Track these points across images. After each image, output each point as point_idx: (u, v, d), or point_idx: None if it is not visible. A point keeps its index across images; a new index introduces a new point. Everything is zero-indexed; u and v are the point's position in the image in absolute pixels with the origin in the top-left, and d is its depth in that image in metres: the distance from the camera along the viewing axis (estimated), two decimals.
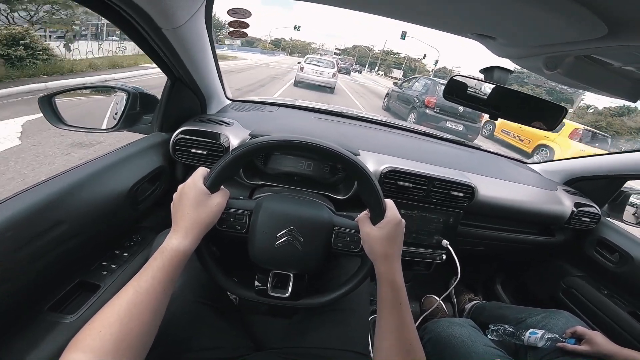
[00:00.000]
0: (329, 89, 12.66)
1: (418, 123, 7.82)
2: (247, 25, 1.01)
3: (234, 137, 1.08)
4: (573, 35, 0.51)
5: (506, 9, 0.50)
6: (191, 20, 0.81)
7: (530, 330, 1.12)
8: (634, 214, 1.49)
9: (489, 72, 0.78)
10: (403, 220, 0.66)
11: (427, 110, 7.87)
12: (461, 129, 7.77)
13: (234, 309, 0.90)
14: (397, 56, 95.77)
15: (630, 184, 1.48)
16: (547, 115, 0.82)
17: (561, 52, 0.58)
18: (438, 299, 1.58)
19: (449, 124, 7.75)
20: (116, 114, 1.08)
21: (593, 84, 0.68)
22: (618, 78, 0.65)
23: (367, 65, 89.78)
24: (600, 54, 0.56)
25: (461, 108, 7.23)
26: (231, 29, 1.02)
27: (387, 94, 11.39)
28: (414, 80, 9.75)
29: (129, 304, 0.48)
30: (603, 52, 0.54)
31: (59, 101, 0.98)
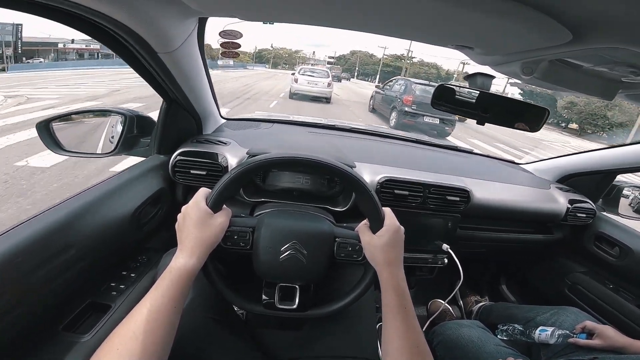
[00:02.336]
0: (324, 99, 12.60)
1: (399, 120, 8.95)
2: (238, 46, 1.05)
3: (231, 157, 1.10)
4: (541, 42, 0.54)
5: (478, 22, 0.53)
6: (185, 43, 0.85)
7: (540, 327, 1.12)
8: (629, 205, 1.50)
9: (472, 79, 0.81)
10: (402, 227, 0.68)
11: (406, 108, 8.68)
12: (438, 122, 8.65)
13: (242, 324, 0.91)
14: (409, 61, 70.63)
15: (621, 177, 1.50)
16: (531, 117, 0.85)
17: (534, 57, 0.61)
18: (444, 302, 1.58)
19: (426, 119, 8.59)
20: (112, 137, 1.09)
21: (569, 86, 0.71)
22: (592, 79, 0.68)
23: (377, 77, 66.44)
24: (571, 57, 0.59)
25: None
26: (223, 50, 1.06)
27: (372, 96, 12.30)
28: (393, 82, 10.66)
29: (143, 322, 0.50)
30: (573, 55, 0.57)
31: (56, 126, 0.98)
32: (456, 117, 8.77)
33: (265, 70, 49.87)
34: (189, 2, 0.64)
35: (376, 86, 12.08)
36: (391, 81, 10.95)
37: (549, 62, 0.64)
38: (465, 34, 0.62)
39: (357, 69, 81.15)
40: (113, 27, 0.66)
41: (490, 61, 0.73)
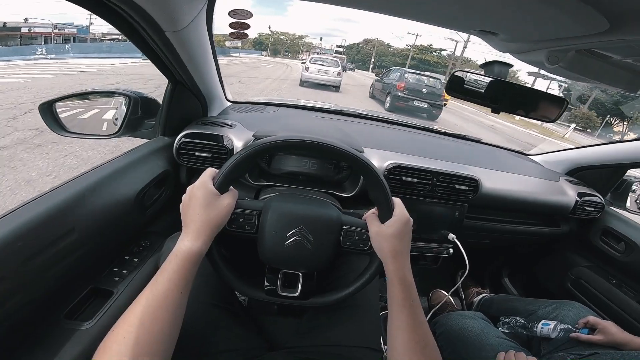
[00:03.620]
0: (334, 87, 13.10)
1: (392, 104, 10.37)
2: (247, 26, 1.02)
3: (237, 139, 1.09)
4: (575, 31, 0.51)
5: (508, 5, 0.50)
6: (193, 23, 0.82)
7: (543, 321, 1.12)
8: (635, 201, 1.50)
9: (489, 67, 0.78)
10: (411, 218, 0.66)
11: (399, 93, 10.19)
12: (426, 106, 10.20)
13: (246, 310, 0.90)
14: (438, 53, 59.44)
15: (632, 172, 1.48)
16: (548, 106, 0.83)
17: (563, 46, 0.58)
18: (446, 293, 1.58)
19: (416, 103, 10.13)
20: (117, 119, 1.08)
21: (594, 77, 0.68)
22: (618, 70, 0.65)
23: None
24: (600, 47, 0.57)
25: (424, 89, 10.13)
26: (232, 30, 1.03)
27: (372, 84, 13.77)
28: (390, 71, 12.32)
29: (149, 308, 0.49)
30: (604, 45, 0.55)
31: (60, 108, 0.98)
32: (443, 102, 10.68)
33: (256, 59, 37.44)
34: None
35: (376, 74, 13.71)
36: (389, 71, 12.51)
37: (576, 52, 0.61)
38: (492, 19, 0.59)
39: (372, 60, 67.73)
40: (119, 2, 0.63)
41: (513, 48, 0.70)
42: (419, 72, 11.52)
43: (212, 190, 0.59)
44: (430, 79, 10.63)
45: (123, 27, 0.73)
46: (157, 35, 0.77)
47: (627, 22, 0.45)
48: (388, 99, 10.66)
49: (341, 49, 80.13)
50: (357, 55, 77.93)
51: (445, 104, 12.32)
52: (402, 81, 10.32)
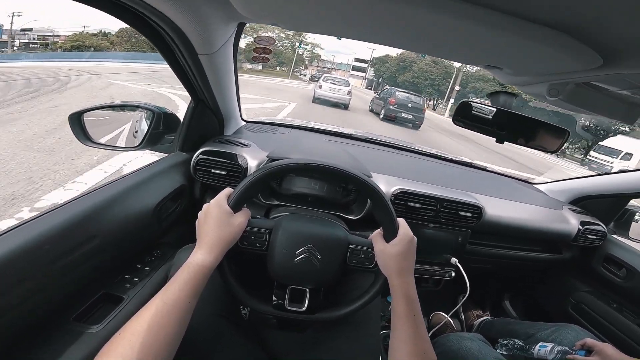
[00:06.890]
0: (343, 105, 14.41)
1: (386, 114, 13.44)
2: (270, 52, 1.10)
3: (251, 159, 1.12)
4: (572, 67, 0.56)
5: (508, 44, 0.55)
6: (223, 47, 0.88)
7: (540, 343, 1.12)
8: None
9: (495, 97, 0.82)
10: (415, 237, 0.69)
11: (390, 106, 13.29)
12: (411, 117, 13.30)
13: (248, 323, 0.92)
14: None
15: (635, 202, 1.50)
16: (549, 137, 0.86)
17: (562, 80, 0.63)
18: (446, 315, 1.58)
19: (403, 114, 13.17)
20: (136, 132, 1.13)
21: (593, 109, 0.72)
22: (615, 102, 0.69)
23: None
24: (598, 81, 0.61)
25: (410, 104, 13.24)
26: (255, 54, 1.10)
27: (371, 101, 16.84)
28: (385, 90, 16.18)
29: (157, 315, 0.51)
30: (601, 79, 0.59)
31: (87, 119, 1.01)
32: (424, 115, 13.89)
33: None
34: (238, 8, 0.66)
35: (375, 92, 17.39)
36: (384, 90, 16.51)
37: (575, 85, 0.65)
38: (496, 55, 0.65)
39: (457, 88, 31.85)
40: (163, 24, 0.68)
41: (517, 81, 0.75)
42: (406, 91, 15.43)
43: (226, 209, 0.63)
44: (416, 97, 14.10)
45: (161, 47, 0.78)
46: (190, 57, 0.82)
47: (619, 58, 0.50)
48: (382, 111, 13.74)
49: (364, 65, 57.23)
50: (403, 75, 40.15)
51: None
52: (393, 97, 13.46)
